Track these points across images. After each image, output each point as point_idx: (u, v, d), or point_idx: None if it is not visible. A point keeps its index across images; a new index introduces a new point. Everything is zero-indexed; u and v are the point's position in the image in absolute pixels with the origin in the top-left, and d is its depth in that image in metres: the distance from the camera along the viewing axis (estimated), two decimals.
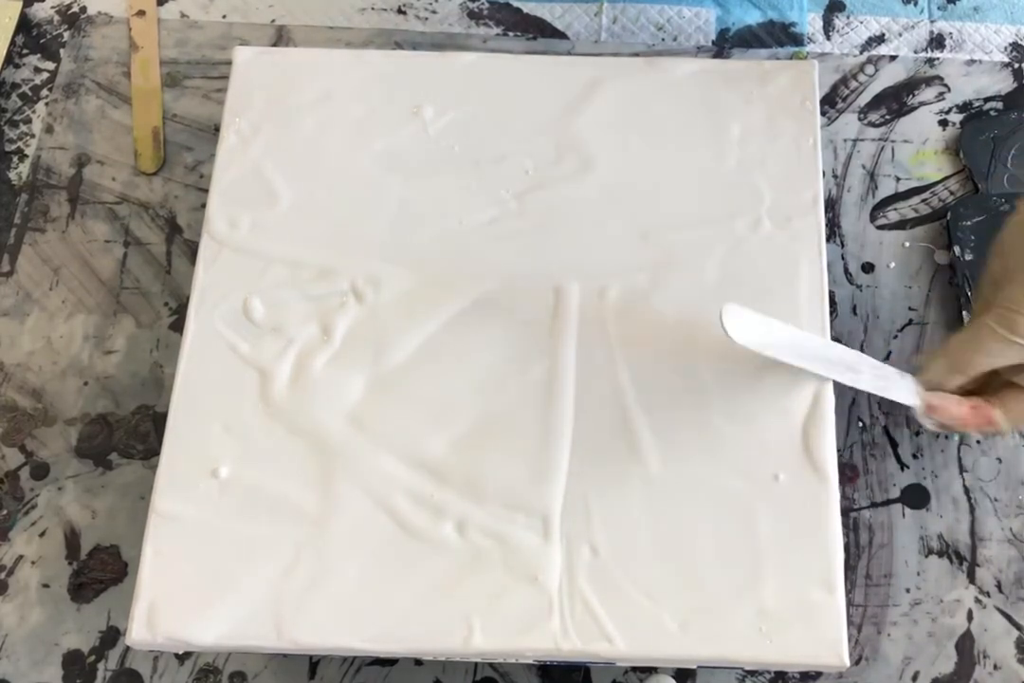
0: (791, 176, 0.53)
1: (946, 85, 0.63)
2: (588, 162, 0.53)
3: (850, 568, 0.52)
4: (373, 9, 0.67)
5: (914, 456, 0.55)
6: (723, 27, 0.66)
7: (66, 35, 0.66)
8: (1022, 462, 0.54)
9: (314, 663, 0.51)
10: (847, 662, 0.44)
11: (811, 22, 0.66)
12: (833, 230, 0.59)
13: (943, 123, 0.62)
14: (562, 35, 0.66)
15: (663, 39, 0.66)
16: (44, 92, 0.65)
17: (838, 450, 0.50)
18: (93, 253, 0.60)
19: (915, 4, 0.67)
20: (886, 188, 0.61)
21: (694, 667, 0.51)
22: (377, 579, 0.45)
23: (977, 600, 0.52)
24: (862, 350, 0.57)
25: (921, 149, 0.62)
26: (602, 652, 0.44)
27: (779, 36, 0.66)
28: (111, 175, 0.62)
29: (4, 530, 0.54)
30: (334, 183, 0.53)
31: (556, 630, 0.44)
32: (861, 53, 0.65)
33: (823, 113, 0.62)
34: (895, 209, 0.60)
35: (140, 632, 0.45)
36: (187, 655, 0.51)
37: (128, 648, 0.51)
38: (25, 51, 0.66)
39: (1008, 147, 0.61)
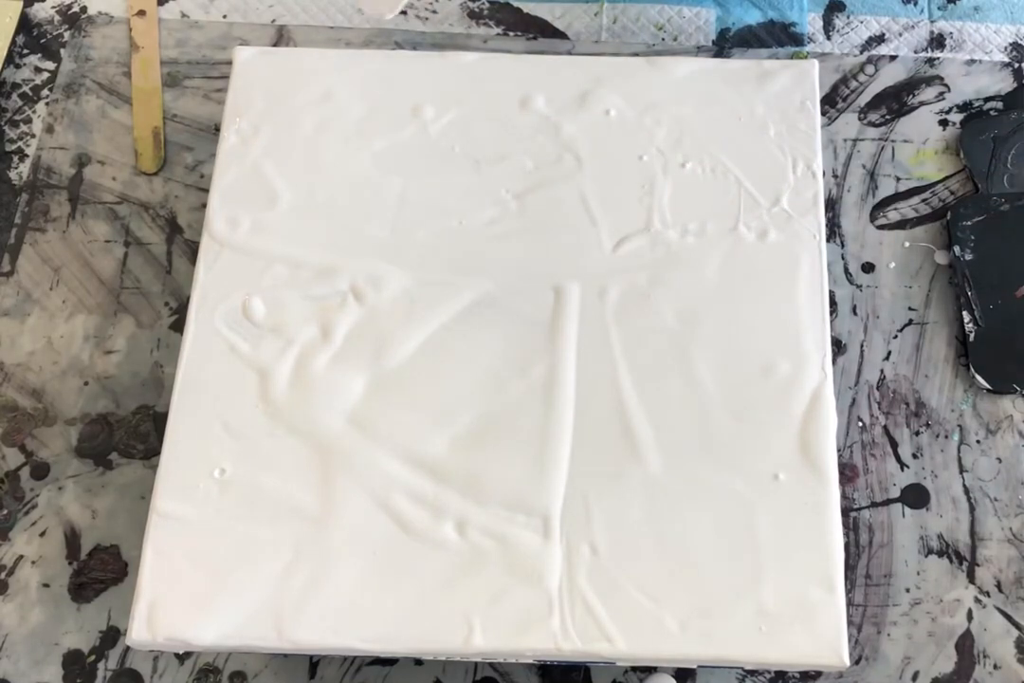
0: (791, 176, 0.53)
1: (946, 85, 0.63)
2: (588, 162, 0.53)
3: (850, 568, 0.52)
4: None
5: (914, 456, 0.55)
6: (723, 27, 0.66)
7: (66, 35, 0.66)
8: (1022, 462, 0.54)
9: (314, 663, 0.51)
10: (847, 662, 0.44)
11: (811, 22, 0.66)
12: (833, 230, 0.59)
13: (943, 123, 0.62)
14: (562, 35, 0.66)
15: (663, 39, 0.66)
16: (45, 92, 0.65)
17: (838, 450, 0.50)
18: (93, 253, 0.60)
19: (915, 4, 0.67)
20: (886, 188, 0.61)
21: (694, 667, 0.51)
22: (377, 579, 0.45)
23: (977, 600, 0.52)
24: (862, 350, 0.57)
25: (921, 149, 0.62)
26: (602, 652, 0.44)
27: (779, 36, 0.66)
28: (111, 175, 0.62)
29: (4, 530, 0.54)
30: (334, 183, 0.53)
31: (556, 630, 0.44)
32: (861, 53, 0.65)
33: (823, 113, 0.62)
34: (895, 209, 0.60)
35: (140, 632, 0.45)
36: (187, 655, 0.51)
37: (128, 648, 0.51)
38: (26, 51, 0.66)
39: (1008, 147, 0.61)
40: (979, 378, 0.55)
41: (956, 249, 0.58)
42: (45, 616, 0.52)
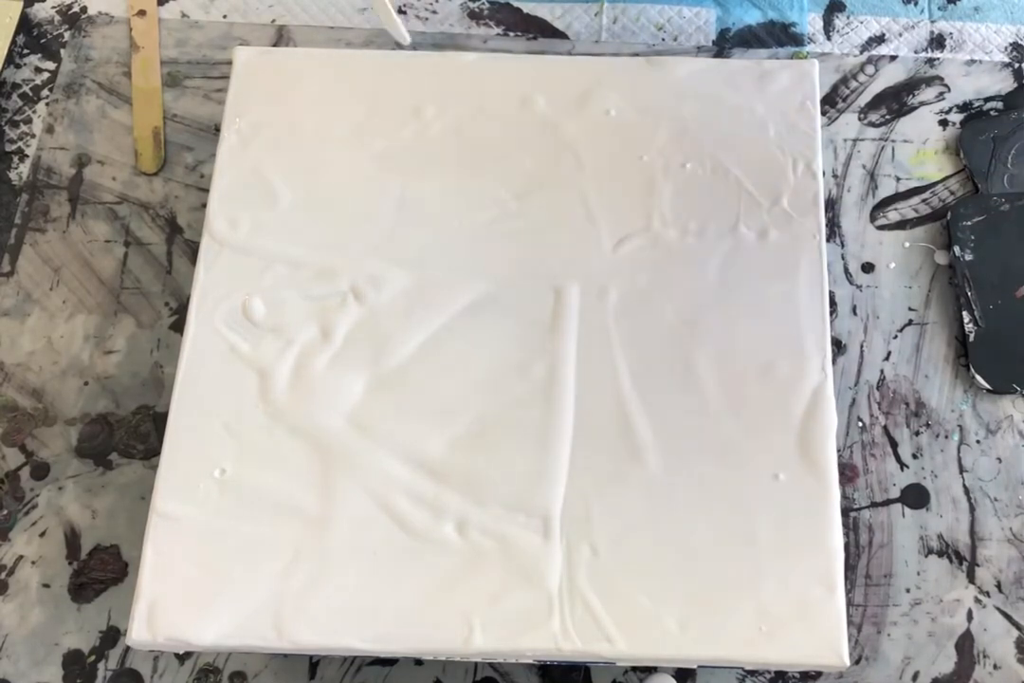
0: (791, 176, 0.53)
1: (946, 85, 0.63)
2: (588, 162, 0.53)
3: (850, 568, 0.52)
4: (373, 9, 0.67)
5: (914, 456, 0.55)
6: (723, 27, 0.66)
7: (67, 35, 0.66)
8: (1022, 462, 0.54)
9: (314, 663, 0.51)
10: (847, 662, 0.44)
11: (811, 22, 0.66)
12: (833, 230, 0.59)
13: (943, 123, 0.62)
14: (562, 35, 0.66)
15: (663, 39, 0.66)
16: (45, 92, 0.65)
17: (838, 450, 0.50)
18: (93, 253, 0.60)
19: (915, 4, 0.67)
20: (886, 188, 0.61)
21: (694, 667, 0.51)
22: (377, 579, 0.45)
23: (977, 600, 0.52)
24: (862, 350, 0.57)
25: (921, 149, 0.62)
26: (602, 652, 0.44)
27: (779, 36, 0.66)
28: (111, 175, 0.62)
29: (4, 530, 0.54)
30: (334, 183, 0.53)
31: (556, 630, 0.44)
32: (861, 53, 0.65)
33: (823, 113, 0.62)
34: (895, 209, 0.60)
35: (140, 632, 0.45)
36: (187, 655, 0.51)
37: (128, 648, 0.51)
38: (26, 51, 0.66)
39: (1008, 147, 0.61)
40: (979, 378, 0.55)
41: (956, 249, 0.58)
42: (45, 616, 0.52)
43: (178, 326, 0.58)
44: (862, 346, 0.57)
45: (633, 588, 0.45)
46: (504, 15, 0.66)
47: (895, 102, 0.63)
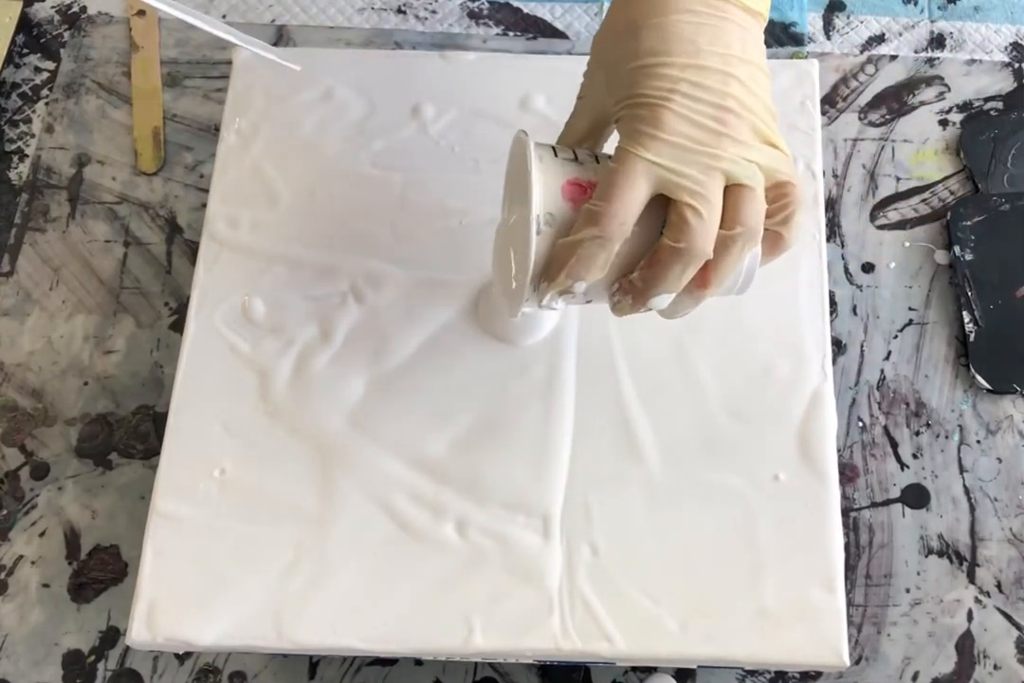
0: None
1: (946, 85, 0.63)
2: None
3: (850, 568, 0.52)
4: (373, 9, 0.67)
5: (914, 456, 0.55)
6: None
7: (66, 35, 0.66)
8: (1022, 462, 0.54)
9: (314, 663, 0.51)
10: (847, 662, 0.44)
11: (811, 22, 0.66)
12: (833, 230, 0.59)
13: (943, 123, 0.62)
14: (562, 35, 0.66)
15: None
16: (44, 92, 0.65)
17: (838, 450, 0.50)
18: (93, 253, 0.60)
19: (915, 4, 0.67)
20: (886, 188, 0.61)
21: (694, 667, 0.51)
22: (377, 579, 0.45)
23: (977, 600, 0.52)
24: (862, 350, 0.57)
25: (921, 149, 0.62)
26: (602, 652, 0.44)
27: (779, 36, 0.65)
28: (111, 175, 0.62)
29: (4, 530, 0.54)
30: (334, 183, 0.53)
31: (556, 630, 0.44)
32: (861, 53, 0.65)
33: (823, 113, 0.62)
34: (895, 209, 0.60)
35: (140, 632, 0.45)
36: (187, 655, 0.51)
37: (128, 648, 0.51)
38: (25, 51, 0.66)
39: (1008, 147, 0.61)
40: (979, 378, 0.55)
41: (956, 249, 0.58)
42: (45, 616, 0.52)
43: (178, 326, 0.58)
44: (862, 346, 0.57)
45: (633, 588, 0.45)
46: (504, 15, 0.66)
47: (895, 102, 0.63)
